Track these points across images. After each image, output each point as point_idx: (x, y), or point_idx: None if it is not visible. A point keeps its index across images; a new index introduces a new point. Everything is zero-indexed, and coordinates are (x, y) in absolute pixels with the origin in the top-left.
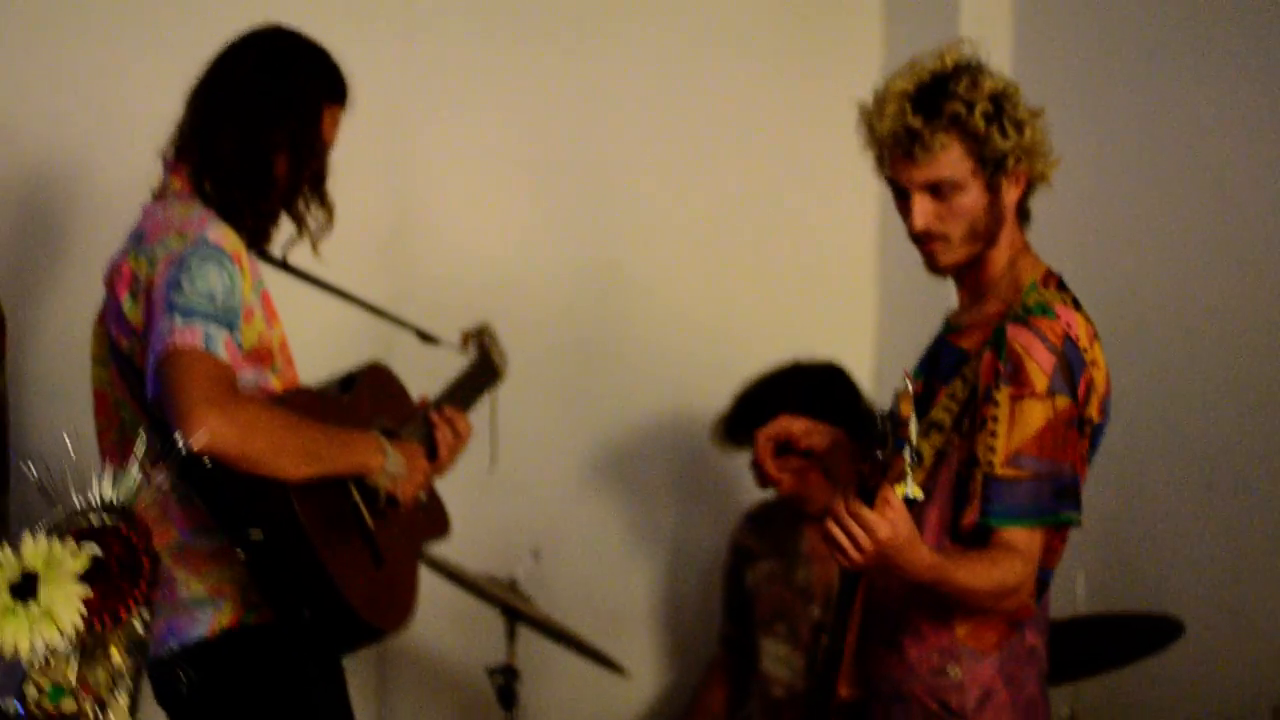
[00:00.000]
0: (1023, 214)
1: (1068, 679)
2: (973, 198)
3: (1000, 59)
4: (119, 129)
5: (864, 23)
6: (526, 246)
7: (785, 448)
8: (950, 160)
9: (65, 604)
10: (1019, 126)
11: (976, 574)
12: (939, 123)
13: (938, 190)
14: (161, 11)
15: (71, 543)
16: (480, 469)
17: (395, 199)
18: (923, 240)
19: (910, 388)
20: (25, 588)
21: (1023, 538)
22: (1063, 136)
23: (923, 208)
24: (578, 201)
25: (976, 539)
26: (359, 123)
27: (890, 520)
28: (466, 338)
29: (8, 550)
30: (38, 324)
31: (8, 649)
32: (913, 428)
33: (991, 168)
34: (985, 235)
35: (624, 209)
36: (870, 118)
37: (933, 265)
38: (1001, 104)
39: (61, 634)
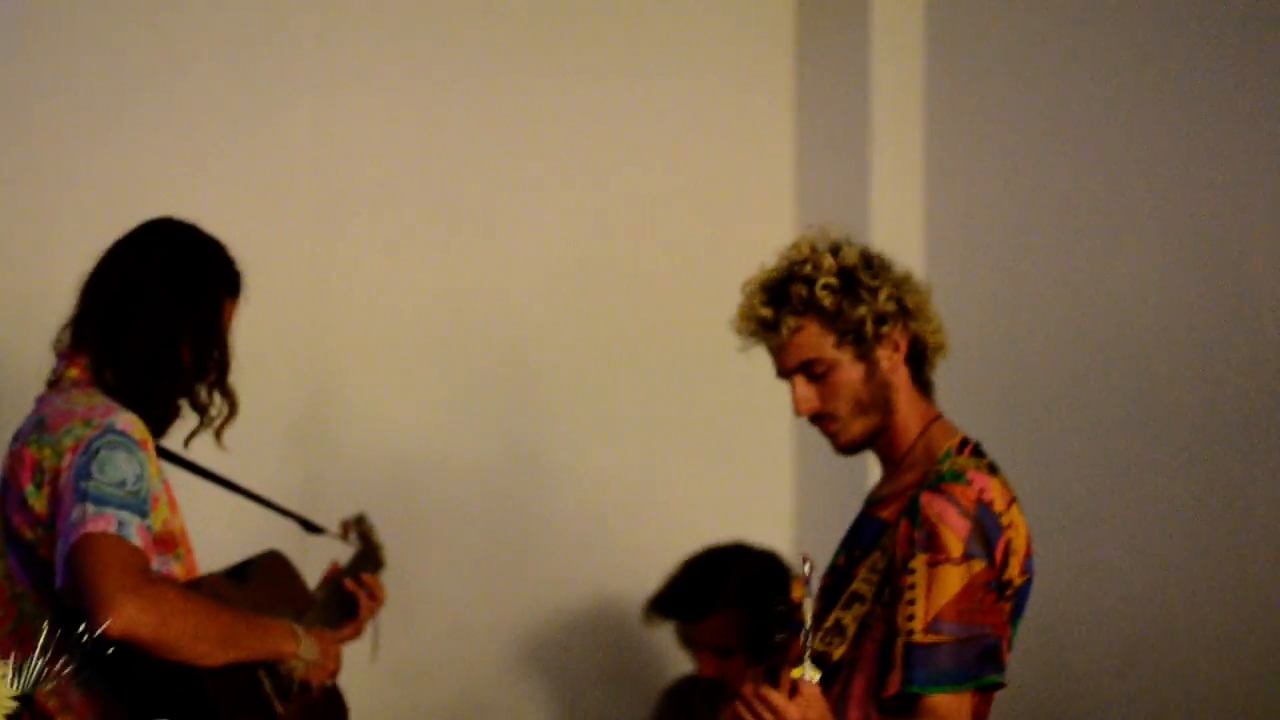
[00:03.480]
0: (923, 384)
1: None
2: (847, 372)
3: (912, 64)
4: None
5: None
6: (442, 425)
7: (722, 649)
8: (808, 341)
9: None
10: (873, 293)
11: None
12: (787, 307)
13: (811, 371)
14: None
15: None
16: (393, 654)
17: (306, 382)
18: (816, 422)
19: (805, 571)
20: None
21: (947, 703)
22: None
23: (801, 392)
24: (496, 378)
25: (901, 708)
26: (271, 306)
27: (799, 704)
28: (346, 527)
29: None
30: None
31: None
32: (807, 609)
33: (854, 337)
34: (876, 406)
35: (542, 387)
36: (736, 316)
37: (836, 446)
38: (852, 275)
39: None
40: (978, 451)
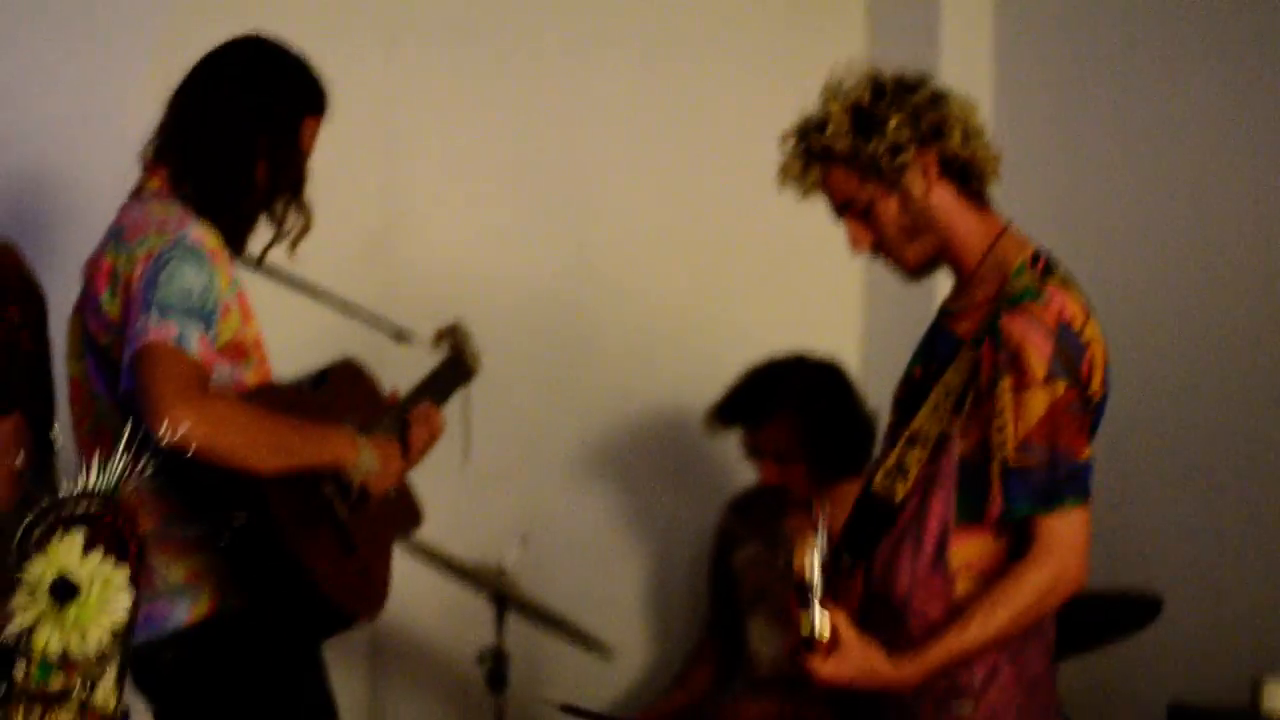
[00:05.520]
0: (974, 195)
1: None
2: (883, 205)
3: (982, 61)
4: (108, 132)
5: (847, 21)
6: (509, 243)
7: (782, 456)
8: (837, 184)
9: (100, 618)
10: (883, 124)
11: (994, 616)
12: (810, 157)
13: (853, 211)
14: (148, 18)
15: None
16: (459, 461)
17: (380, 200)
18: (875, 257)
19: (820, 524)
20: (63, 590)
21: (1061, 526)
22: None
23: (851, 233)
24: (559, 199)
25: (1016, 527)
26: (345, 126)
27: (834, 661)
28: (440, 335)
29: (50, 552)
30: None
31: (42, 651)
32: (812, 568)
33: (875, 171)
34: (922, 229)
35: (606, 204)
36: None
37: (901, 275)
38: (861, 111)
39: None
40: (1050, 265)
